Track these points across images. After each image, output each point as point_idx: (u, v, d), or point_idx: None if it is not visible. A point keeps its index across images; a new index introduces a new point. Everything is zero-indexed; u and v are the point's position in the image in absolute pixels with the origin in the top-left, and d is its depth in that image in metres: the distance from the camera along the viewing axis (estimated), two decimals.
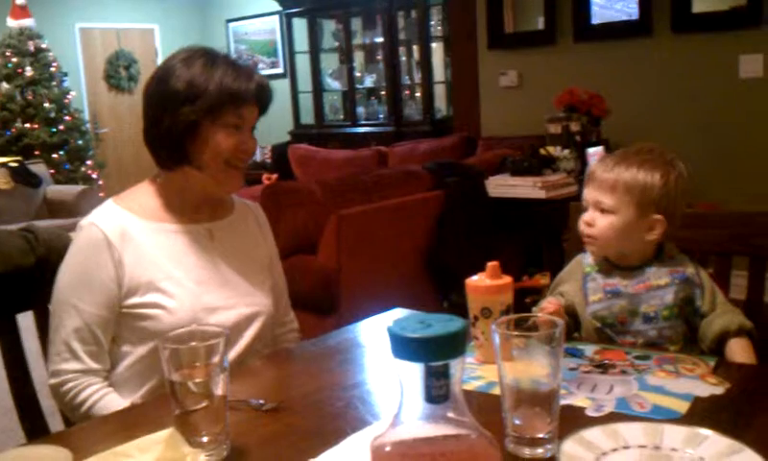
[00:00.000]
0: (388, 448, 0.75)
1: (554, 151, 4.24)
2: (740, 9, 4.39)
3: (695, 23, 4.59)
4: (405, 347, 0.70)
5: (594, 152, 4.09)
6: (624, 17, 4.92)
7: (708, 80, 4.57)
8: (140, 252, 1.56)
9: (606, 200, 1.51)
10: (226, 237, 1.69)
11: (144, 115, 1.61)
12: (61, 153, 8.00)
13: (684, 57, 4.66)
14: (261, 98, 1.63)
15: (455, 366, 0.72)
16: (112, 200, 1.64)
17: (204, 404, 1.08)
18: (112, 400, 1.52)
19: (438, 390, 0.71)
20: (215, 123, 1.56)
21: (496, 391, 1.09)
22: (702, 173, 4.37)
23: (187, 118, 1.54)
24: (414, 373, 0.71)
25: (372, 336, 1.65)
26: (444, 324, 0.71)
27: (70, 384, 1.53)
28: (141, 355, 1.55)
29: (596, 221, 1.52)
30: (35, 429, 1.56)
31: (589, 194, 1.55)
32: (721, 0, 4.51)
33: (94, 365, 1.54)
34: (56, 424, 1.62)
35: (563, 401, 1.13)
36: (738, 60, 4.44)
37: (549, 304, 1.53)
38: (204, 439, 1.08)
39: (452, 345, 0.70)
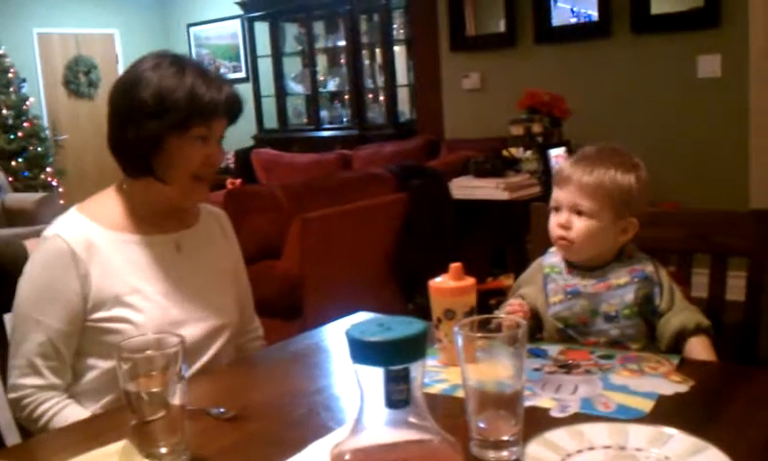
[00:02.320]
0: (348, 457, 0.73)
1: (516, 152, 4.25)
2: (698, 10, 4.45)
3: (654, 24, 4.64)
4: (364, 351, 0.68)
5: (557, 153, 4.11)
6: (584, 19, 4.96)
7: (667, 80, 4.63)
8: (106, 264, 1.52)
9: (585, 203, 1.49)
10: (193, 248, 1.65)
11: (108, 123, 1.57)
12: (20, 160, 7.85)
13: (643, 57, 4.70)
14: (231, 110, 1.59)
15: (415, 370, 0.70)
16: (76, 209, 1.58)
17: (161, 414, 1.05)
18: (71, 413, 1.48)
19: (398, 395, 0.69)
20: (183, 137, 1.51)
21: (460, 394, 1.08)
22: (661, 172, 4.41)
23: (154, 132, 1.50)
24: (374, 377, 0.70)
25: (335, 341, 1.63)
26: (403, 327, 0.69)
27: (29, 399, 1.49)
28: (106, 369, 1.51)
29: (573, 224, 1.50)
30: None
31: (564, 197, 1.52)
32: (679, 1, 4.56)
33: (54, 380, 1.50)
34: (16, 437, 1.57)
35: (527, 403, 1.12)
36: (697, 61, 4.49)
37: (514, 306, 1.52)
38: (163, 450, 1.05)
39: (412, 348, 0.69)
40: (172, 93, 1.49)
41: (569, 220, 1.51)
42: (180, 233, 1.64)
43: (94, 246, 1.52)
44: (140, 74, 1.52)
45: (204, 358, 1.59)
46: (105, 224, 1.56)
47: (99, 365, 1.52)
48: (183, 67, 1.53)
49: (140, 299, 1.53)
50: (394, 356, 0.68)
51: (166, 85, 1.50)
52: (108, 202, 1.61)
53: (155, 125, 1.49)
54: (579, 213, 1.50)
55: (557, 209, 1.54)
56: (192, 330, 1.55)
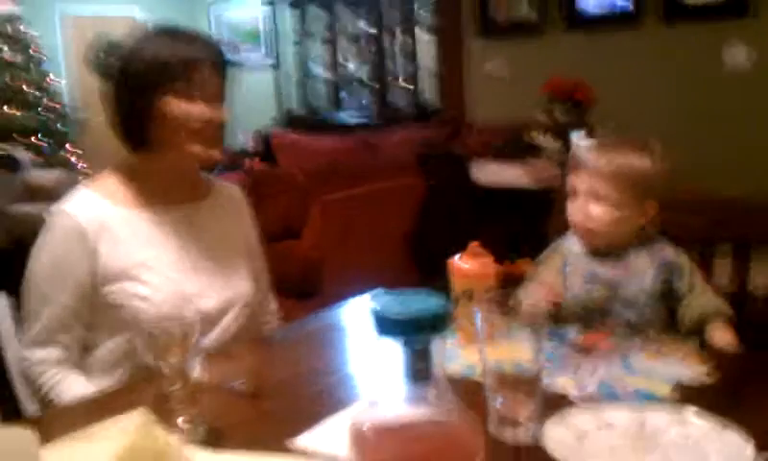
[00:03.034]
0: (367, 429, 0.73)
1: (539, 137, 4.22)
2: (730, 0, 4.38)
3: (686, 13, 4.57)
4: (387, 326, 0.68)
5: (578, 137, 4.08)
6: (614, 8, 4.90)
7: (698, 70, 4.56)
8: (116, 240, 1.52)
9: (604, 189, 1.48)
10: (203, 221, 1.64)
11: (103, 101, 1.57)
12: (41, 137, 7.89)
13: (673, 47, 4.64)
14: (210, 58, 1.54)
15: (437, 346, 0.70)
16: (85, 186, 1.58)
17: (179, 386, 1.06)
18: (73, 383, 1.49)
19: (419, 370, 0.69)
20: (167, 97, 1.50)
21: (479, 374, 1.07)
22: (688, 162, 4.36)
23: (139, 99, 1.50)
24: (395, 353, 0.69)
25: (352, 320, 1.63)
26: (425, 303, 0.69)
27: (35, 370, 1.50)
28: (118, 343, 1.52)
29: (592, 210, 1.49)
30: (7, 413, 1.53)
31: (582, 183, 1.51)
32: None
33: (61, 354, 1.51)
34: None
35: (546, 383, 1.11)
36: (728, 51, 4.43)
37: (541, 286, 1.51)
38: (180, 421, 1.06)
39: (433, 324, 0.68)
40: (144, 56, 1.50)
41: (587, 206, 1.50)
42: (190, 206, 1.63)
43: (104, 222, 1.52)
44: (126, 46, 1.55)
45: (217, 330, 1.58)
46: (113, 199, 1.56)
47: (109, 339, 1.53)
48: (155, 30, 1.56)
49: (149, 273, 1.52)
50: (415, 331, 0.68)
51: (139, 50, 1.52)
52: (117, 178, 1.60)
53: (137, 92, 1.50)
54: (597, 198, 1.49)
55: (574, 195, 1.53)
56: (203, 304, 1.53)
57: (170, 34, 1.55)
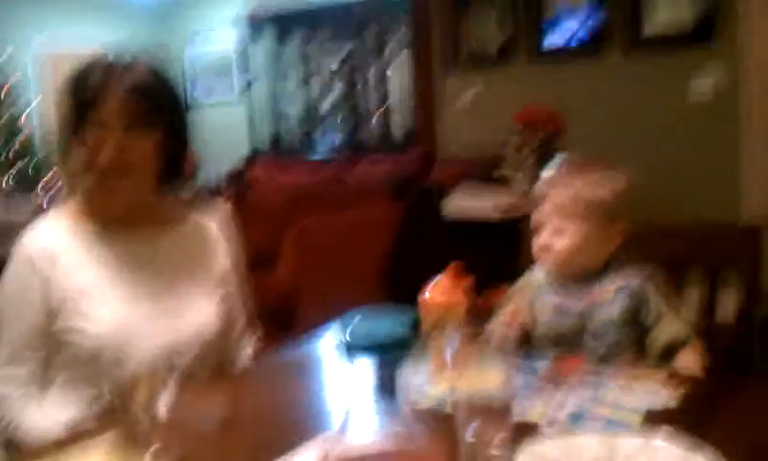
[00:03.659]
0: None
1: (509, 169, 4.26)
2: (691, 31, 4.47)
3: (646, 45, 4.66)
4: (353, 349, 0.68)
5: (549, 170, 4.11)
6: (577, 40, 4.99)
7: (659, 100, 4.64)
8: (67, 270, 1.49)
9: (566, 219, 1.49)
10: (170, 248, 1.60)
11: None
12: (12, 176, 7.83)
13: (636, 77, 4.72)
14: (128, 94, 1.45)
15: (403, 371, 0.70)
16: (47, 216, 1.57)
17: (148, 424, 1.04)
18: (42, 420, 1.45)
19: (386, 395, 0.69)
20: (80, 131, 1.48)
21: (450, 405, 1.07)
22: (652, 191, 4.42)
23: (66, 132, 1.50)
24: (362, 378, 0.69)
25: (327, 350, 1.62)
26: (392, 328, 0.69)
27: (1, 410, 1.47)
28: (72, 378, 1.48)
29: (555, 241, 1.51)
30: None
31: (543, 214, 1.53)
32: (672, 23, 4.59)
33: (27, 389, 1.48)
34: None
35: (517, 415, 1.11)
36: (689, 82, 4.52)
37: (507, 316, 1.52)
38: (149, 457, 1.04)
39: (400, 349, 0.69)
40: (70, 88, 1.50)
41: (552, 237, 1.51)
42: (155, 234, 1.59)
43: (55, 251, 1.50)
44: None
45: (181, 363, 1.50)
46: (70, 231, 1.54)
47: (65, 374, 1.49)
48: (94, 59, 1.52)
49: (100, 303, 1.48)
50: (382, 357, 0.68)
51: (69, 82, 1.51)
52: (74, 208, 1.58)
53: (65, 125, 1.51)
54: (560, 229, 1.50)
55: (539, 228, 1.55)
56: (163, 336, 1.48)
57: (96, 61, 1.51)
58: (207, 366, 1.60)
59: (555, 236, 1.50)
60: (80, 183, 1.52)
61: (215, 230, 1.72)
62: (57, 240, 1.52)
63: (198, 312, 1.59)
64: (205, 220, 1.72)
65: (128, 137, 1.46)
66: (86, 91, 1.46)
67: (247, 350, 1.76)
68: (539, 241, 1.53)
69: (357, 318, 0.69)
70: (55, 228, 1.54)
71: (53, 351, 1.50)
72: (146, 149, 1.49)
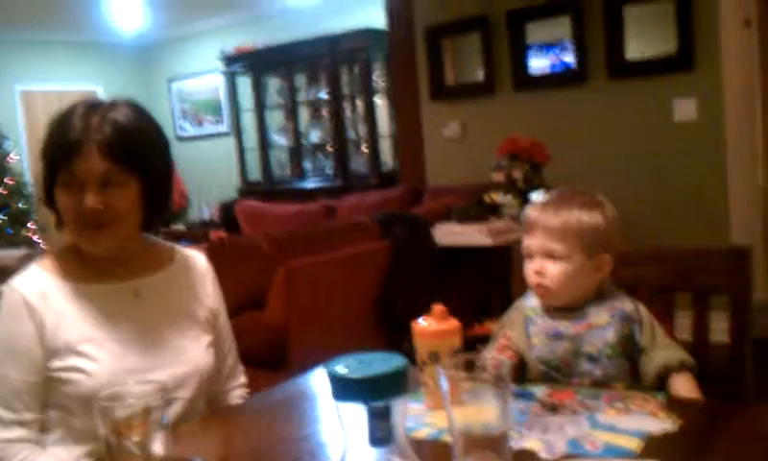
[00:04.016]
0: None
1: (498, 198, 4.28)
2: (673, 55, 4.53)
3: (630, 70, 4.72)
4: (345, 388, 0.68)
5: (537, 198, 4.13)
6: (560, 67, 5.04)
7: (644, 124, 4.69)
8: (60, 314, 1.50)
9: (556, 247, 1.50)
10: (156, 293, 1.61)
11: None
12: (2, 216, 7.81)
13: (619, 102, 4.77)
14: (101, 147, 1.44)
15: (397, 406, 0.69)
16: (35, 263, 1.57)
17: (143, 459, 1.03)
18: None
19: (381, 432, 0.69)
20: (59, 184, 1.49)
21: (446, 437, 1.07)
22: (640, 216, 4.45)
23: (44, 184, 1.51)
24: (356, 416, 0.69)
25: (320, 387, 1.61)
26: (383, 363, 0.69)
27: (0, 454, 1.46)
28: (70, 422, 1.49)
29: (547, 269, 1.51)
30: None
31: (534, 242, 1.53)
32: (653, 47, 4.64)
33: (25, 433, 1.47)
34: None
35: (514, 445, 1.11)
36: (672, 105, 4.56)
37: (501, 343, 1.52)
38: None
39: (393, 384, 0.68)
40: (50, 137, 1.50)
41: (543, 265, 1.52)
42: (140, 280, 1.60)
43: (48, 296, 1.50)
44: None
45: (173, 406, 1.52)
46: (60, 275, 1.55)
47: (63, 419, 1.49)
48: (71, 108, 1.50)
49: (93, 347, 1.49)
50: (374, 393, 0.68)
51: (50, 129, 1.51)
52: (65, 255, 1.59)
53: (44, 176, 1.51)
54: (551, 257, 1.51)
55: (529, 256, 1.55)
56: (154, 378, 1.46)
57: (73, 111, 1.49)
58: (203, 402, 1.61)
59: (547, 262, 1.51)
60: (68, 231, 1.52)
61: (202, 269, 1.73)
62: (48, 285, 1.53)
63: (192, 353, 1.61)
64: (193, 260, 1.72)
65: (106, 192, 1.47)
66: (64, 143, 1.46)
67: (237, 390, 1.77)
68: (531, 266, 1.54)
69: (348, 358, 0.68)
70: (42, 275, 1.54)
71: (50, 392, 1.50)
72: (125, 201, 1.49)
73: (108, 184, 1.46)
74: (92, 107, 1.50)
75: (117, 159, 1.46)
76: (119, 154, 1.46)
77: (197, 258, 1.74)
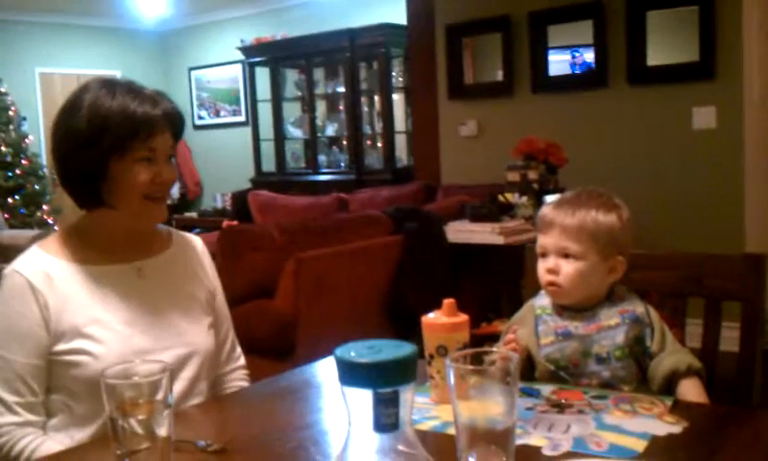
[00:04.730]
0: None
1: (512, 198, 4.27)
2: (694, 63, 4.50)
3: (650, 76, 4.69)
4: (353, 372, 0.67)
5: (554, 196, 4.12)
6: (580, 70, 5.02)
7: (663, 130, 4.67)
8: (65, 296, 1.50)
9: (572, 246, 1.49)
10: (158, 275, 1.62)
11: (52, 155, 1.55)
12: (17, 197, 7.86)
13: (639, 108, 4.75)
14: (171, 124, 1.55)
15: (405, 393, 0.69)
16: (36, 245, 1.57)
17: (146, 445, 1.03)
18: (50, 449, 1.44)
19: (387, 418, 0.68)
20: (124, 158, 1.49)
21: (451, 431, 1.06)
22: (655, 221, 4.43)
23: (94, 159, 1.48)
24: (362, 401, 0.69)
25: (326, 376, 1.61)
26: (392, 349, 0.68)
27: (5, 438, 1.45)
28: (74, 405, 1.49)
29: (561, 268, 1.50)
30: None
31: (549, 241, 1.53)
32: (675, 54, 4.62)
33: (30, 417, 1.47)
34: None
35: (519, 441, 1.11)
36: (692, 112, 4.54)
37: (509, 338, 1.51)
38: None
39: (401, 371, 0.68)
40: (104, 115, 1.47)
41: (557, 264, 1.51)
42: (144, 261, 1.61)
43: (52, 278, 1.50)
44: (72, 102, 1.52)
45: (175, 388, 1.54)
46: (63, 257, 1.54)
47: (67, 402, 1.50)
48: (114, 87, 1.51)
49: (100, 329, 1.50)
50: (383, 378, 0.67)
51: (97, 108, 1.48)
52: (68, 236, 1.59)
53: (93, 151, 1.48)
54: (566, 256, 1.50)
55: (543, 255, 1.54)
56: (158, 358, 1.45)
57: (132, 91, 1.52)
58: (205, 384, 1.61)
59: (561, 261, 1.50)
60: (124, 204, 1.52)
61: (199, 250, 1.75)
62: (51, 267, 1.52)
63: (196, 333, 1.62)
64: (190, 242, 1.75)
65: (170, 164, 1.57)
66: (145, 120, 1.49)
67: (237, 372, 1.78)
68: (545, 265, 1.53)
69: (357, 344, 0.68)
70: (45, 257, 1.54)
71: (53, 375, 1.50)
72: (175, 174, 1.59)
73: (168, 159, 1.56)
74: (140, 87, 1.55)
75: (177, 137, 1.59)
76: (179, 131, 1.59)
77: (194, 240, 1.76)
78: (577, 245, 1.49)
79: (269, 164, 8.12)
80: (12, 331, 1.48)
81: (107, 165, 1.49)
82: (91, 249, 1.57)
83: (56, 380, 1.50)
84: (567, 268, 1.50)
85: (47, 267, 1.52)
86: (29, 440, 1.45)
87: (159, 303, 1.59)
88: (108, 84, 1.53)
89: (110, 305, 1.53)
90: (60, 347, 1.48)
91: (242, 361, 1.81)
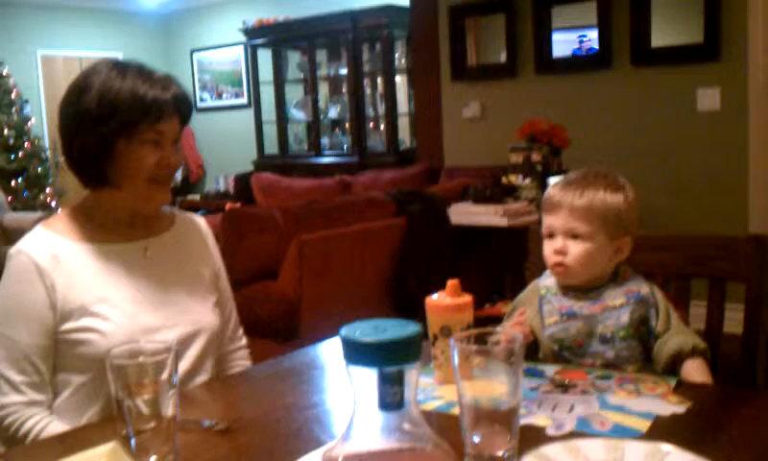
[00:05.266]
0: (341, 460, 0.72)
1: (515, 180, 4.26)
2: (698, 44, 4.48)
3: (654, 57, 4.67)
4: (358, 351, 0.67)
5: (555, 181, 4.11)
6: (584, 51, 4.99)
7: (667, 112, 4.65)
8: (72, 275, 1.50)
9: (581, 226, 1.49)
10: (163, 253, 1.63)
11: (59, 135, 1.56)
12: (20, 180, 7.87)
13: (643, 89, 4.73)
14: (180, 109, 1.56)
15: (410, 372, 0.69)
16: (41, 225, 1.57)
17: (152, 425, 1.04)
18: (57, 429, 1.45)
19: (392, 397, 0.68)
20: (132, 140, 1.49)
21: (456, 411, 1.07)
22: (659, 203, 4.43)
23: (101, 139, 1.48)
24: (367, 379, 0.69)
25: (330, 357, 1.62)
26: (398, 328, 0.68)
27: (12, 417, 1.46)
28: (81, 383, 1.50)
29: (569, 249, 1.50)
30: None
31: (557, 222, 1.52)
32: (679, 35, 4.59)
33: (36, 396, 1.48)
34: None
35: (523, 420, 1.11)
36: (696, 94, 4.52)
37: (517, 320, 1.51)
38: (153, 460, 1.03)
39: (407, 350, 0.68)
40: (114, 97, 1.48)
41: (565, 245, 1.51)
42: (149, 240, 1.62)
43: (58, 258, 1.50)
44: (82, 81, 1.52)
45: (182, 366, 1.55)
46: (69, 236, 1.55)
47: (74, 380, 1.50)
48: (125, 69, 1.51)
49: (107, 307, 1.50)
50: (388, 357, 0.67)
51: (107, 89, 1.48)
52: (73, 216, 1.59)
53: (101, 131, 1.48)
54: (574, 237, 1.50)
55: (551, 236, 1.54)
56: (164, 337, 1.51)
57: (142, 74, 1.52)
58: (211, 362, 1.62)
59: (568, 241, 1.50)
60: (129, 185, 1.53)
61: (202, 230, 1.76)
62: (57, 247, 1.52)
63: (201, 311, 1.64)
64: (193, 221, 1.76)
65: (176, 148, 1.57)
66: (155, 103, 1.49)
67: (240, 351, 1.79)
68: (552, 245, 1.53)
69: (362, 323, 0.68)
70: (50, 236, 1.54)
71: (60, 354, 1.50)
72: (181, 159, 1.59)
73: (177, 142, 1.57)
74: (151, 70, 1.55)
75: (184, 122, 1.59)
76: (187, 117, 1.59)
77: (197, 220, 1.78)
78: (586, 225, 1.49)
79: (271, 147, 8.10)
80: (18, 312, 1.48)
81: (114, 146, 1.49)
82: (97, 228, 1.58)
83: (62, 359, 1.51)
84: (575, 249, 1.50)
85: (53, 247, 1.52)
86: (36, 420, 1.46)
87: (165, 282, 1.60)
88: (119, 66, 1.53)
89: (117, 284, 1.54)
90: (68, 326, 1.49)
91: (244, 341, 1.83)
